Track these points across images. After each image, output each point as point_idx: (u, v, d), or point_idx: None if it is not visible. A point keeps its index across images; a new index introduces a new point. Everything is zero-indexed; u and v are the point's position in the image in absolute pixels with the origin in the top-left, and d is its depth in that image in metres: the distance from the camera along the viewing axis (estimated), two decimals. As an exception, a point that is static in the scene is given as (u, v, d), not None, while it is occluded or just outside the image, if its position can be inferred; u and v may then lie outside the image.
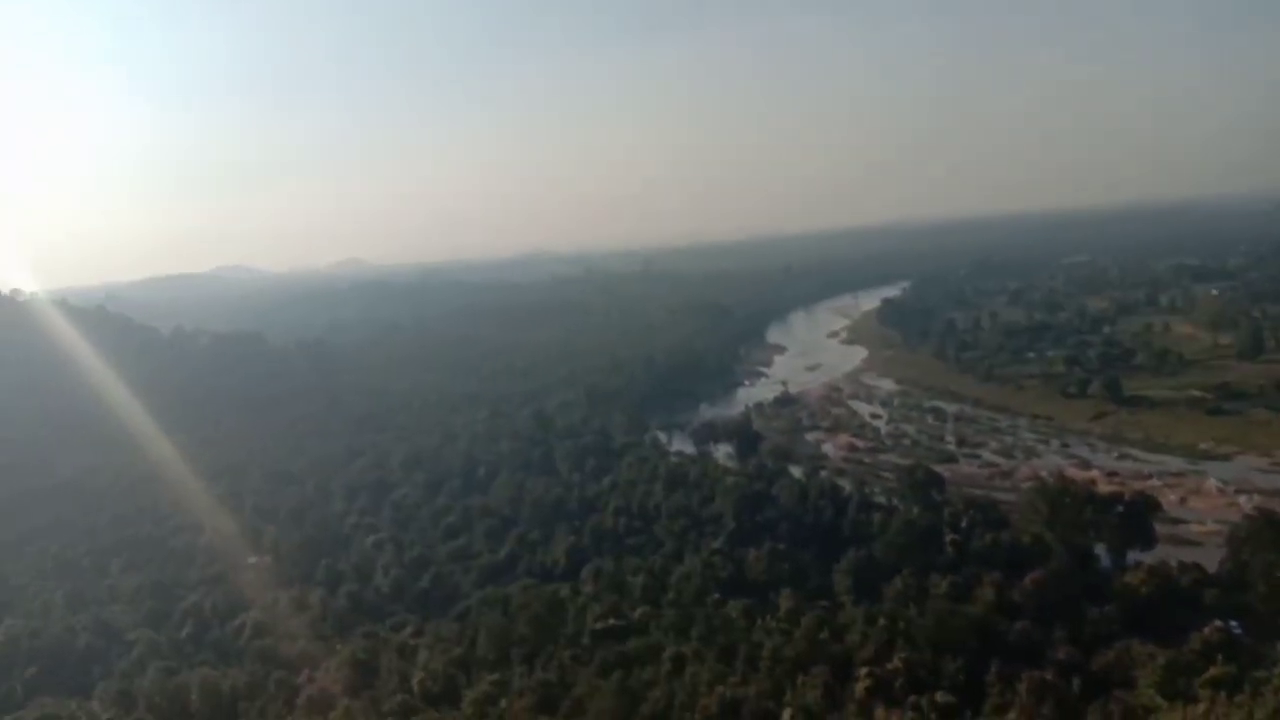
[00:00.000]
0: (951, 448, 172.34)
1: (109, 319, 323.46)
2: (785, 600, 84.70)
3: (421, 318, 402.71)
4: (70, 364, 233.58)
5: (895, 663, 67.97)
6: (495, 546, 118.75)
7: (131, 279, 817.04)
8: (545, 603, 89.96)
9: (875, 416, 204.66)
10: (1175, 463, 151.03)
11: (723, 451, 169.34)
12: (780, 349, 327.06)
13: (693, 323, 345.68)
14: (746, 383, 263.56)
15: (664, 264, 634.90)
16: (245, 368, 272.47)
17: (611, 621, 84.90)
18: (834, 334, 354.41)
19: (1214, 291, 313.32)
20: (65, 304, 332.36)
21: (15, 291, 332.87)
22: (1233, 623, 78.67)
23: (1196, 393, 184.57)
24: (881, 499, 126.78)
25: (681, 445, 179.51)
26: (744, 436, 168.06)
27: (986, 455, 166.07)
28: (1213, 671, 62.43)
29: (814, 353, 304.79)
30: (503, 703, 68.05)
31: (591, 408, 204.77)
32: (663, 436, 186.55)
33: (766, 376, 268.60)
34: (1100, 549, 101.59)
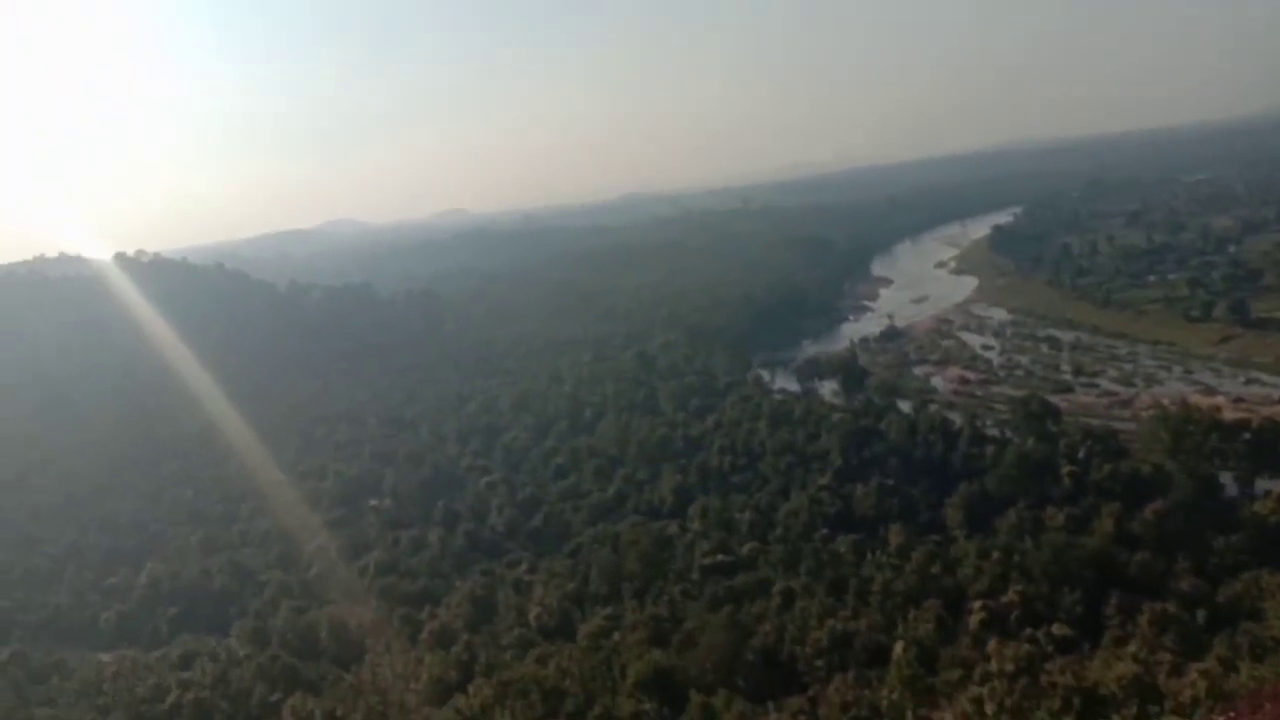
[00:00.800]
0: (1068, 377, 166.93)
1: (228, 276, 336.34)
2: (895, 535, 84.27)
3: (523, 265, 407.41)
4: (192, 319, 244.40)
5: (1010, 595, 67.27)
6: (603, 485, 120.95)
7: (245, 237, 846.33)
8: (654, 539, 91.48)
9: (986, 348, 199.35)
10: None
11: (828, 388, 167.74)
12: (886, 282, 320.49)
13: (794, 258, 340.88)
14: (851, 318, 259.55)
15: (762, 199, 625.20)
16: (357, 318, 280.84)
17: (719, 557, 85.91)
18: (942, 264, 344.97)
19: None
20: (185, 264, 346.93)
21: (139, 252, 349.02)
22: (1373, 552, 75.08)
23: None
24: (994, 431, 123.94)
25: (785, 383, 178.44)
26: (849, 372, 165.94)
27: (1104, 384, 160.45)
28: (1350, 602, 59.90)
29: (921, 284, 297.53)
30: (616, 636, 69.77)
31: (693, 347, 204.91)
32: (766, 374, 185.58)
33: (872, 311, 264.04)
34: (1227, 478, 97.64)
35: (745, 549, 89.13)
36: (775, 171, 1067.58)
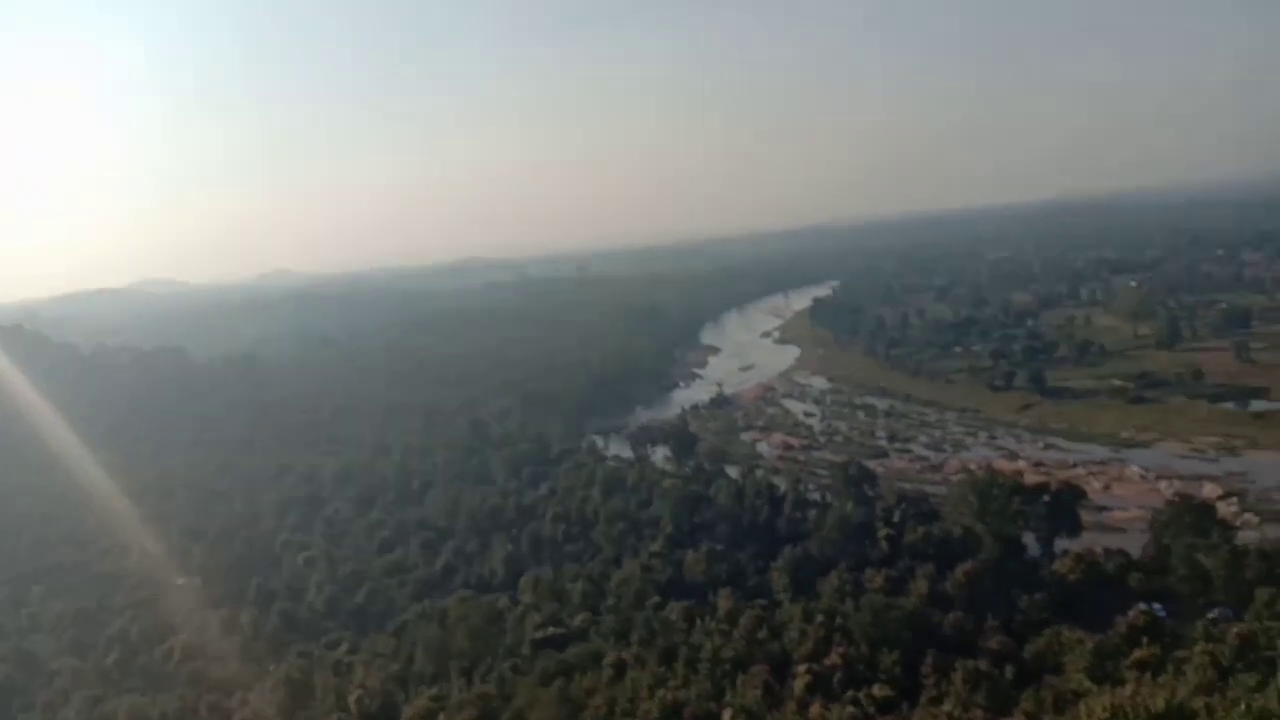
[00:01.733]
0: (883, 443, 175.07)
1: (25, 337, 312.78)
2: (724, 600, 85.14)
3: (352, 328, 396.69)
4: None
5: (833, 658, 68.84)
6: (431, 559, 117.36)
7: (49, 295, 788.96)
8: (483, 614, 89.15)
9: (809, 414, 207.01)
10: (1099, 451, 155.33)
11: (660, 454, 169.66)
12: (714, 350, 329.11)
13: (627, 326, 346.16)
14: (682, 385, 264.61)
15: (598, 268, 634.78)
16: (169, 385, 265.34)
17: (551, 630, 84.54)
18: (767, 334, 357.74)
19: (1132, 283, 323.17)
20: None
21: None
22: (1156, 605, 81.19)
23: (1117, 382, 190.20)
24: (816, 496, 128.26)
25: (619, 449, 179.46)
26: (680, 438, 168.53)
27: (917, 449, 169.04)
28: (1138, 654, 64.31)
29: (748, 353, 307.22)
30: (441, 717, 67.24)
31: (527, 415, 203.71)
32: (600, 441, 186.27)
33: (702, 378, 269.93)
34: (1029, 538, 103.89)
35: (577, 620, 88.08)
36: (611, 240, 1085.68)
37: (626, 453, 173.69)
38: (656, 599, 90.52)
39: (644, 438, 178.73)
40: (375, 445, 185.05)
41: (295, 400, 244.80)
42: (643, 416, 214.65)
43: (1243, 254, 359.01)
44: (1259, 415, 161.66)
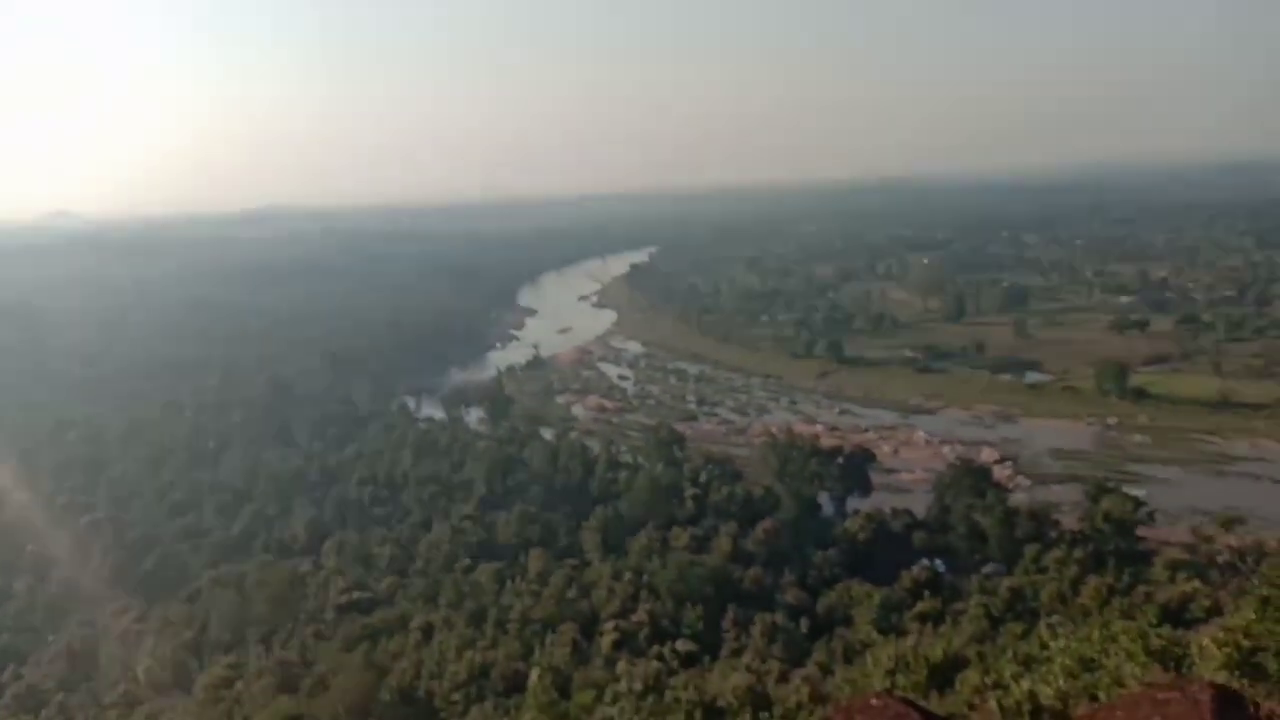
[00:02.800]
0: (693, 407, 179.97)
1: None
2: (534, 561, 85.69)
3: (142, 277, 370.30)
4: None
5: (640, 615, 70.72)
6: (228, 523, 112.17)
7: None
8: (284, 579, 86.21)
9: (623, 378, 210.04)
10: (889, 417, 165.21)
11: (474, 416, 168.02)
12: (532, 312, 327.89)
13: (443, 285, 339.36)
14: (498, 346, 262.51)
15: (412, 224, 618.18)
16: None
17: (356, 594, 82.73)
18: (585, 297, 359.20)
19: (924, 260, 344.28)
20: None
21: None
22: (937, 561, 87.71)
23: (908, 353, 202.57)
24: (628, 458, 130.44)
25: (431, 411, 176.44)
26: (495, 400, 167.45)
27: (724, 413, 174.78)
28: (920, 606, 69.38)
29: (565, 316, 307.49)
30: (239, 686, 64.78)
31: (334, 374, 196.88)
32: (411, 402, 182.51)
33: (518, 339, 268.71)
34: (824, 498, 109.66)
35: (384, 584, 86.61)
36: (426, 196, 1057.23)
37: (439, 414, 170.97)
38: (467, 562, 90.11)
39: (458, 399, 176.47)
40: (166, 403, 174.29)
41: (78, 352, 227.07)
42: (457, 378, 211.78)
43: (1024, 237, 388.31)
44: (1033, 386, 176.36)
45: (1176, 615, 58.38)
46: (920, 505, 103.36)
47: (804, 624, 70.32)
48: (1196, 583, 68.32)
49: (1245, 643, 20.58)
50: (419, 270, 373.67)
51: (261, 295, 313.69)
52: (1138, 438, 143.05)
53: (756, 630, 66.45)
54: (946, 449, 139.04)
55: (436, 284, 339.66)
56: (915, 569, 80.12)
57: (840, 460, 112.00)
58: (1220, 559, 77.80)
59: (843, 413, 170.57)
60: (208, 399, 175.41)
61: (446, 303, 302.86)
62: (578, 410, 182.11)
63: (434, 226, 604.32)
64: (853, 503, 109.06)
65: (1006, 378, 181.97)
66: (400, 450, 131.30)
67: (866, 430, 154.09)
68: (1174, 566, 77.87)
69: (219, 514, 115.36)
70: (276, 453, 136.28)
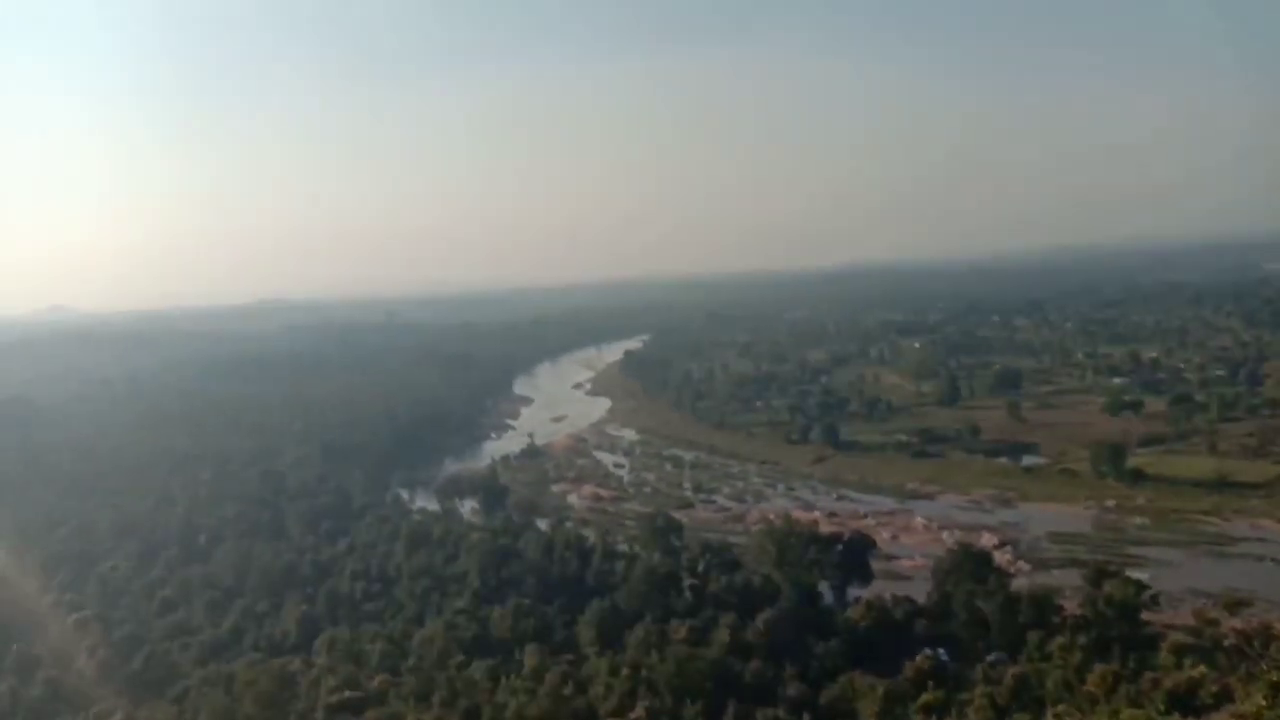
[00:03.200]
0: (689, 494, 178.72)
1: None
2: (530, 657, 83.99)
3: (138, 370, 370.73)
4: None
5: (638, 711, 69.08)
6: (217, 620, 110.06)
7: None
8: (274, 678, 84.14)
9: (618, 466, 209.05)
10: (887, 502, 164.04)
11: (469, 507, 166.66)
12: (527, 400, 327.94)
13: (438, 375, 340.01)
14: (493, 435, 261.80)
15: (407, 314, 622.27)
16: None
17: (347, 694, 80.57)
18: (579, 385, 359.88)
19: (916, 344, 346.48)
20: None
21: None
22: (940, 650, 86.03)
23: (903, 437, 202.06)
24: (624, 547, 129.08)
25: (425, 502, 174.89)
26: (490, 491, 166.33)
27: (721, 500, 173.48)
28: (924, 698, 67.92)
29: (560, 404, 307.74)
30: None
31: (328, 465, 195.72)
32: (405, 494, 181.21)
33: (513, 429, 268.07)
34: (824, 586, 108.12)
35: (376, 682, 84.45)
36: (420, 286, 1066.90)
37: (433, 506, 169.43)
38: (461, 658, 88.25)
39: (452, 490, 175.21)
40: (159, 497, 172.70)
41: (71, 445, 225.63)
42: (452, 468, 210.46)
43: (1015, 320, 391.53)
44: (1029, 469, 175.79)
45: (1185, 702, 57.18)
46: (921, 592, 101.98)
47: (806, 719, 68.66)
48: (1204, 668, 67.10)
49: (1257, 733, 20.15)
50: (414, 361, 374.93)
51: (256, 387, 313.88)
52: (1136, 520, 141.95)
53: (758, 725, 64.87)
54: (945, 534, 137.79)
55: (432, 374, 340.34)
56: (918, 658, 78.52)
57: (839, 547, 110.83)
58: (1227, 643, 76.54)
59: (840, 498, 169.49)
60: (200, 492, 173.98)
61: (441, 393, 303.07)
62: (573, 499, 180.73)
63: (429, 317, 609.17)
64: (853, 590, 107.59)
65: (1003, 461, 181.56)
66: (393, 543, 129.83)
67: (865, 516, 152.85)
68: (1180, 651, 76.56)
69: (209, 610, 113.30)
70: (269, 547, 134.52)
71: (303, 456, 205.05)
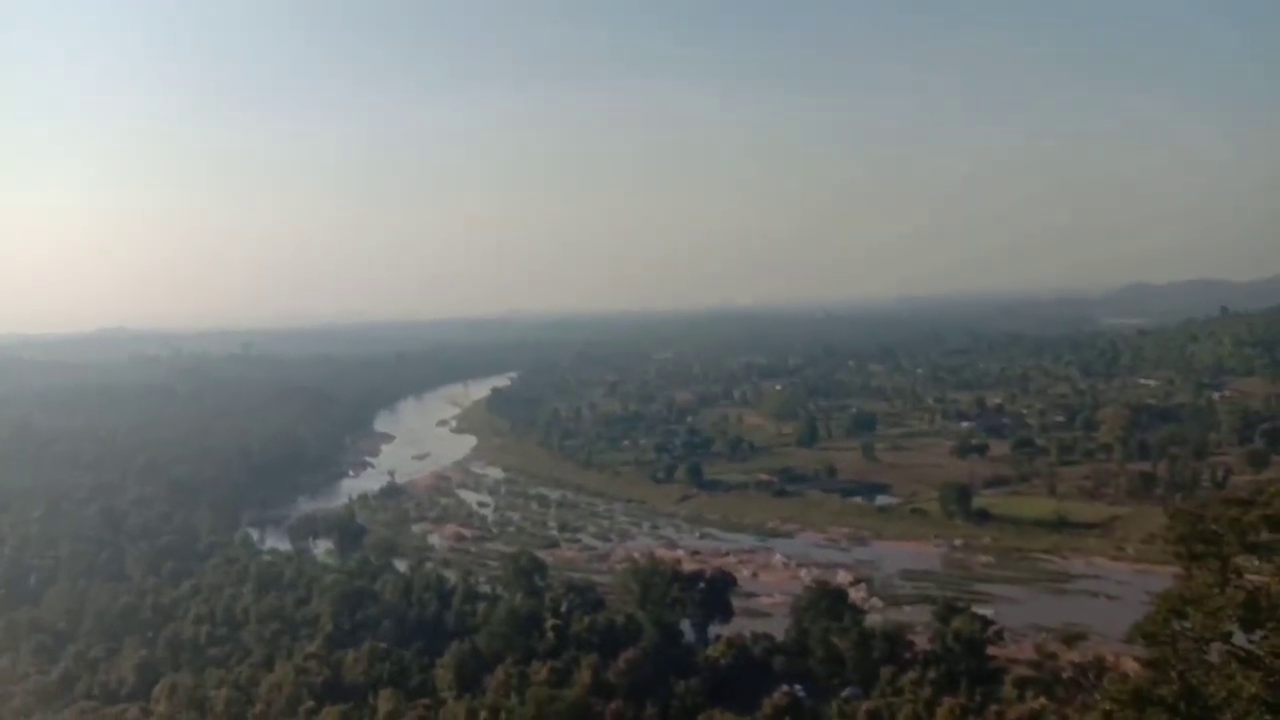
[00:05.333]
0: (554, 533, 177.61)
1: None
2: (384, 702, 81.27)
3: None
4: None
5: (496, 756, 67.60)
6: (47, 666, 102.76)
7: None
8: (106, 729, 78.94)
9: (482, 505, 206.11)
10: (748, 540, 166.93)
11: (323, 548, 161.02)
12: (388, 438, 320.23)
13: (294, 409, 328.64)
14: (351, 473, 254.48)
15: (264, 346, 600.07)
16: None
17: (188, 743, 76.31)
18: (444, 422, 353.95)
19: (778, 387, 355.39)
20: None
21: None
22: (797, 686, 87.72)
23: (764, 476, 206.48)
24: (487, 588, 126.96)
25: (277, 542, 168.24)
26: (346, 530, 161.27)
27: (586, 539, 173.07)
28: (780, 733, 68.90)
29: (423, 441, 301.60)
30: None
31: (173, 503, 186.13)
32: (255, 534, 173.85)
33: (373, 466, 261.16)
34: (686, 624, 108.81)
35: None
36: (276, 318, 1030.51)
37: (286, 546, 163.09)
38: (311, 703, 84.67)
39: (306, 530, 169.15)
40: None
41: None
42: (306, 507, 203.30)
43: (869, 365, 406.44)
44: (882, 509, 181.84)
45: (1026, 733, 59.86)
46: (780, 629, 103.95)
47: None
48: (1044, 699, 70.54)
49: (1090, 757, 21.29)
50: (269, 395, 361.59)
51: (98, 420, 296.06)
52: (982, 558, 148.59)
53: (618, 766, 64.46)
54: (803, 572, 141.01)
55: (287, 409, 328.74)
56: (776, 695, 79.95)
57: (701, 585, 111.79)
58: (1065, 675, 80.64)
59: (703, 536, 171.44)
60: (31, 530, 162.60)
61: (298, 428, 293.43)
62: (434, 539, 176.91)
63: (285, 350, 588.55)
64: (714, 628, 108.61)
65: (858, 500, 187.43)
66: (241, 584, 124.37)
67: (726, 554, 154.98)
68: (1022, 684, 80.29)
69: (37, 656, 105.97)
70: (106, 588, 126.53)
71: (146, 494, 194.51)
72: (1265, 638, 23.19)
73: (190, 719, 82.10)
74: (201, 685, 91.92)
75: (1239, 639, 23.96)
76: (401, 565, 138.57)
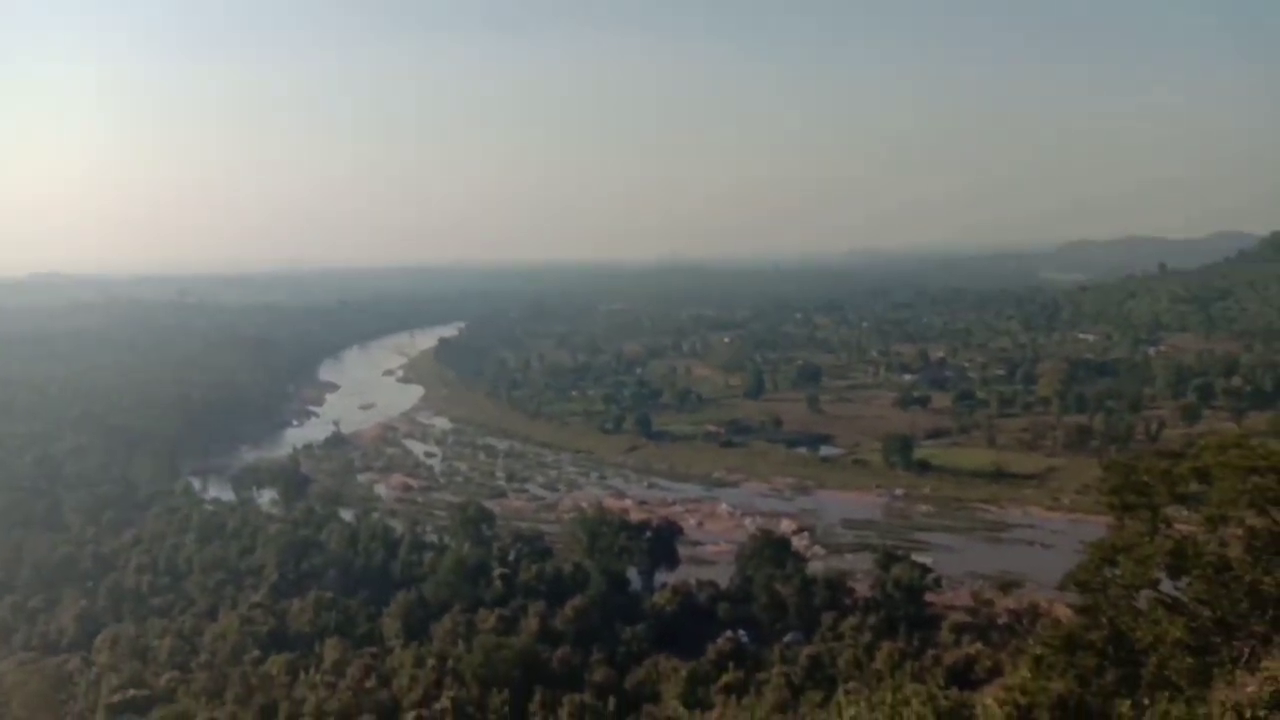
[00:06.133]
0: (502, 483, 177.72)
1: None
2: (331, 651, 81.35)
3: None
4: None
5: (443, 702, 68.15)
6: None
7: None
8: (48, 678, 78.24)
9: (430, 455, 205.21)
10: (695, 490, 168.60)
11: (267, 497, 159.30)
12: (333, 387, 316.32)
13: (236, 357, 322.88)
14: (295, 423, 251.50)
15: (203, 293, 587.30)
16: None
17: (131, 693, 75.79)
18: (390, 372, 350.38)
19: (726, 339, 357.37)
20: None
21: None
22: (741, 632, 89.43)
23: (712, 427, 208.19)
24: (434, 538, 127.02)
25: (220, 492, 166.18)
26: (291, 480, 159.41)
27: (534, 489, 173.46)
28: (725, 679, 70.44)
29: (369, 391, 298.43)
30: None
31: (112, 452, 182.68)
32: (197, 483, 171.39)
33: (318, 416, 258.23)
34: (633, 572, 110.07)
35: (164, 680, 79.71)
36: (215, 264, 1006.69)
37: (229, 496, 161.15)
38: (256, 653, 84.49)
39: (249, 479, 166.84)
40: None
41: None
42: (250, 456, 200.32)
43: (816, 318, 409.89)
44: (826, 459, 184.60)
45: (963, 676, 61.90)
46: (724, 576, 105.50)
47: (612, 702, 69.70)
48: (979, 645, 72.80)
49: (1023, 700, 22.10)
50: (209, 342, 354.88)
51: (32, 368, 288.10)
52: (923, 507, 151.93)
53: (564, 711, 65.34)
54: (748, 520, 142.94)
55: (229, 357, 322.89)
56: (720, 641, 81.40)
57: (648, 534, 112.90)
58: (1000, 621, 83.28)
59: (651, 487, 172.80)
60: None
61: (239, 377, 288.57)
62: (381, 489, 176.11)
63: (225, 297, 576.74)
64: (660, 576, 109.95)
65: (802, 451, 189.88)
66: (184, 534, 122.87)
67: (673, 504, 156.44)
68: (959, 630, 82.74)
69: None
70: (43, 539, 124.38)
71: (83, 443, 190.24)
72: (1190, 584, 24.08)
73: (133, 669, 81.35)
74: (144, 635, 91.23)
75: (1166, 586, 24.86)
76: (348, 515, 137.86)
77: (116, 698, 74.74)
